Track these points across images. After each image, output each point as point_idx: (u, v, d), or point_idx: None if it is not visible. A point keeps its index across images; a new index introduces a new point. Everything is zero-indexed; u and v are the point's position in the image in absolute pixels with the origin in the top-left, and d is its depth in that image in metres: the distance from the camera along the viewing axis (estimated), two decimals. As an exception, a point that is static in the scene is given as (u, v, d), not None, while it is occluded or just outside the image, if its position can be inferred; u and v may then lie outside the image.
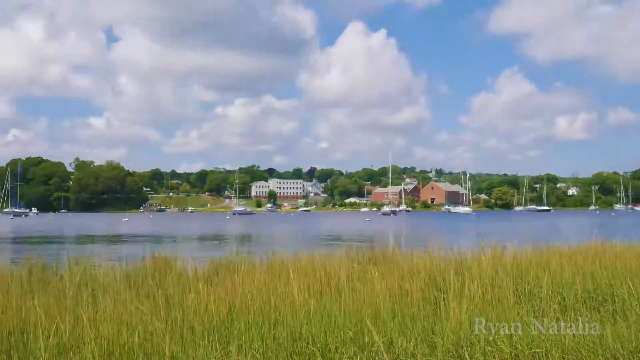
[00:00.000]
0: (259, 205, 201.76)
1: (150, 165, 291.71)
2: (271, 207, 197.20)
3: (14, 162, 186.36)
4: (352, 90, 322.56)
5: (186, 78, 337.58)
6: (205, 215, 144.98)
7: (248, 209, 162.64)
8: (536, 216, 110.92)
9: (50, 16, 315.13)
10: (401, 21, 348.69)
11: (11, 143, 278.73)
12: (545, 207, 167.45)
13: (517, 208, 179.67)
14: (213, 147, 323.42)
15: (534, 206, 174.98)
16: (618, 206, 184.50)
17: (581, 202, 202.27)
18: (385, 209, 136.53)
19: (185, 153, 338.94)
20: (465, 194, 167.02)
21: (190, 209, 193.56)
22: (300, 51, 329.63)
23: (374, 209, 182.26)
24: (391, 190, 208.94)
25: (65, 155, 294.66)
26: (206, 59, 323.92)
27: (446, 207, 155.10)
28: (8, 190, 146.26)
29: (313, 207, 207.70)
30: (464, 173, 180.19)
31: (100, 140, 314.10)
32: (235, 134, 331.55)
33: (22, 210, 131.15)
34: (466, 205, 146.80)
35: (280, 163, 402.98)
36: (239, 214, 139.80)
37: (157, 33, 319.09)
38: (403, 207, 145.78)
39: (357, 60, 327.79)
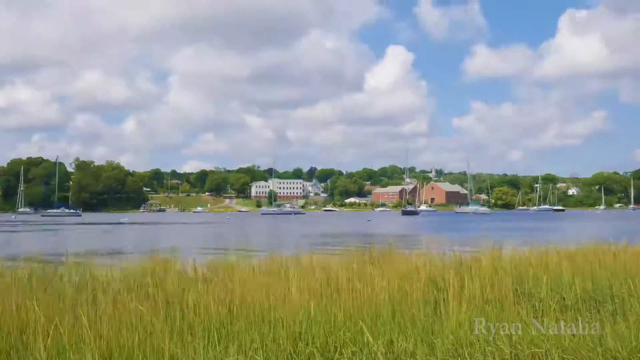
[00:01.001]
0: (259, 205, 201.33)
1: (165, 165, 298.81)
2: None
3: (14, 163, 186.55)
4: (363, 101, 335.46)
5: (228, 94, 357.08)
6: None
7: (298, 209, 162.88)
8: (556, 217, 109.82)
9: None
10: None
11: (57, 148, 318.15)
12: (560, 207, 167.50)
13: (533, 208, 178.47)
14: (228, 150, 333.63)
15: (544, 206, 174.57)
16: (618, 206, 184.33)
17: (581, 203, 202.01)
18: (410, 207, 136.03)
19: (198, 155, 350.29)
20: (466, 194, 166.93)
21: (199, 208, 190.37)
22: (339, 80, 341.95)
23: (378, 208, 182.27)
24: (391, 189, 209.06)
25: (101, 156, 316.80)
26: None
27: (467, 206, 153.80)
28: (22, 190, 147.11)
29: (311, 206, 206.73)
30: (463, 173, 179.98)
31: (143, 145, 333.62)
32: (248, 138, 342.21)
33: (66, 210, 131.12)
34: (484, 205, 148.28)
35: (281, 163, 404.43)
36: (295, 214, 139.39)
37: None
38: (424, 206, 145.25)
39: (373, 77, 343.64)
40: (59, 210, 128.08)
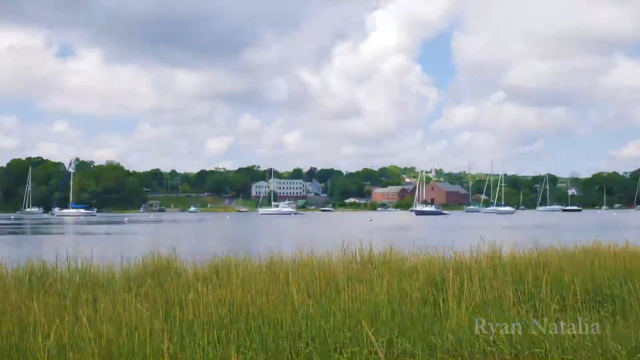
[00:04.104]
0: (259, 205, 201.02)
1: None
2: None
3: (14, 163, 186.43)
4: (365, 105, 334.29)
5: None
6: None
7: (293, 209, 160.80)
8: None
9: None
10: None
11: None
12: (576, 207, 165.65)
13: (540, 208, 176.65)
14: (233, 149, 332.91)
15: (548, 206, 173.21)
16: (618, 207, 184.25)
17: (581, 203, 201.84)
18: (419, 207, 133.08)
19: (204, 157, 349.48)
20: (467, 194, 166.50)
21: (192, 208, 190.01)
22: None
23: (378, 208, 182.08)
24: (391, 189, 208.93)
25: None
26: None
27: (493, 206, 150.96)
28: (29, 190, 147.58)
29: (311, 207, 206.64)
30: (466, 173, 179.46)
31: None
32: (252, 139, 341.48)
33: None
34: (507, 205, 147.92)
35: (281, 163, 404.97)
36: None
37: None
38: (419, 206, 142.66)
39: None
40: (85, 211, 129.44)
